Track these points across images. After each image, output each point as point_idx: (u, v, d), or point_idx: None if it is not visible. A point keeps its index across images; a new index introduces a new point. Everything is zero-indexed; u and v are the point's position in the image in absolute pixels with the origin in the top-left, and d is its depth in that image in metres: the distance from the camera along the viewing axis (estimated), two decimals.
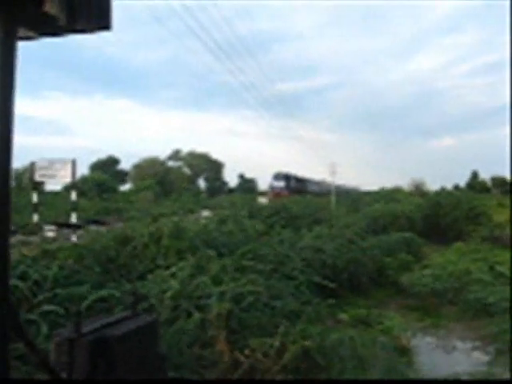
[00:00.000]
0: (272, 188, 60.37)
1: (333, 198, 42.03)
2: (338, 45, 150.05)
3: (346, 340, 6.23)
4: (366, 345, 6.75)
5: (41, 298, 6.01)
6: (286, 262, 10.55)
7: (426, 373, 7.20)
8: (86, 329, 1.82)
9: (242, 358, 5.38)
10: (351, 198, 47.19)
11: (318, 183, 73.08)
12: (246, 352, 5.54)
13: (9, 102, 1.29)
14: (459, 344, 9.22)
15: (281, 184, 59.23)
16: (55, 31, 1.51)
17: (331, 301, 8.59)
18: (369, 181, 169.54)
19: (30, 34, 1.47)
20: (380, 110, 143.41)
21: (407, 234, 19.73)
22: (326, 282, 10.04)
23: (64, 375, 1.72)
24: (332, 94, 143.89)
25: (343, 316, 6.12)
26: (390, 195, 43.39)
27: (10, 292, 1.54)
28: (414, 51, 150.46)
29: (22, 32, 1.44)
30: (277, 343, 5.66)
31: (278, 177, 61.48)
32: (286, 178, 61.67)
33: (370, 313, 9.87)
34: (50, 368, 1.73)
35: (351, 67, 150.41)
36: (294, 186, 62.38)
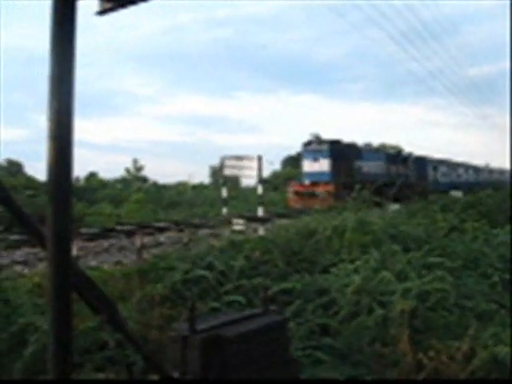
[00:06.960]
0: (301, 179, 29.34)
1: None
2: None
3: None
4: None
5: (226, 287, 6.31)
6: (480, 258, 9.76)
7: None
8: (201, 326, 1.79)
9: (426, 360, 5.06)
10: None
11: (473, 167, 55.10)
12: (431, 354, 5.21)
13: (67, 84, 1.12)
14: None
15: (321, 167, 27.62)
16: None
17: None
18: None
19: (107, 5, 1.26)
20: None
21: None
22: None
23: (176, 374, 1.72)
24: None
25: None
26: None
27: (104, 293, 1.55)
28: None
29: (95, 5, 1.26)
30: (465, 347, 5.23)
31: (313, 150, 28.71)
32: (334, 150, 27.91)
33: None
34: (159, 366, 1.73)
35: None
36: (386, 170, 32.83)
